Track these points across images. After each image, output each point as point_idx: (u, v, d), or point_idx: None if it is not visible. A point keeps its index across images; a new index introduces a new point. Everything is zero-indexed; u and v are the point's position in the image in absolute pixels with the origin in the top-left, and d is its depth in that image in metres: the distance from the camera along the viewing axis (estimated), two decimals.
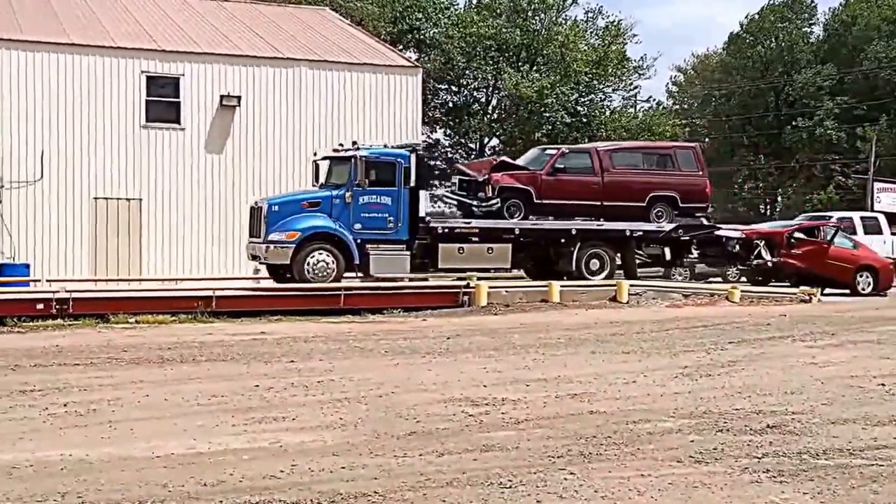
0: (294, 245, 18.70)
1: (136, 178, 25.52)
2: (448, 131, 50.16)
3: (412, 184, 19.78)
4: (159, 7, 29.99)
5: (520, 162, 22.37)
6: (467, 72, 47.73)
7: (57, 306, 16.13)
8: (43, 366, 11.21)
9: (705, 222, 23.46)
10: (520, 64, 47.31)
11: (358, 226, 19.30)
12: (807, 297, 21.01)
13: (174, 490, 6.09)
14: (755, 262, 22.96)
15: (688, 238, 22.30)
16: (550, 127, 46.24)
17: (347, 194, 19.23)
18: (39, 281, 19.10)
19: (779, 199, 66.36)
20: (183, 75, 25.93)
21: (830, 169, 59.62)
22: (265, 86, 26.87)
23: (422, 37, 46.52)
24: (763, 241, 23.11)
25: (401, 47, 41.96)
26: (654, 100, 56.94)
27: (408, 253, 19.54)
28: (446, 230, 20.04)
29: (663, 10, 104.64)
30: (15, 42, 24.44)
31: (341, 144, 21.22)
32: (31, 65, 24.41)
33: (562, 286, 19.81)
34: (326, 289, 18.68)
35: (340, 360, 11.82)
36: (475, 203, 20.75)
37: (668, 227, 21.72)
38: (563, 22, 49.38)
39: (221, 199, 26.15)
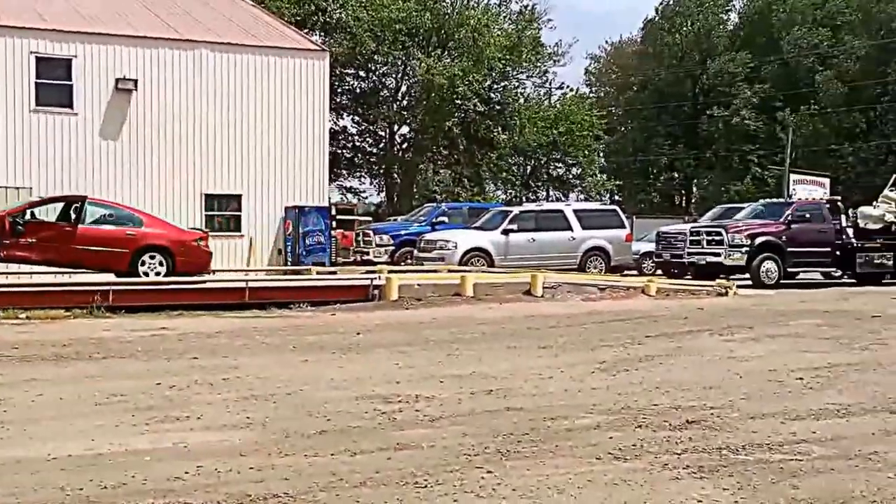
0: None
1: (25, 165, 24.57)
2: (356, 118, 49.40)
3: None
4: None
5: None
6: (376, 56, 46.80)
7: None
8: None
9: None
10: (430, 49, 46.69)
11: None
12: (723, 291, 21.22)
13: (73, 493, 5.86)
14: None
15: None
16: (463, 115, 45.91)
17: None
18: None
19: (694, 190, 67.18)
20: (75, 56, 24.99)
21: (748, 160, 60.28)
22: (164, 69, 26.08)
23: (328, 19, 45.62)
24: None
25: (306, 30, 41.11)
26: (568, 87, 56.46)
27: None
28: None
29: None
30: None
31: None
32: None
33: (476, 280, 19.63)
34: (230, 282, 18.18)
35: (247, 357, 11.46)
36: None
37: None
38: (475, 6, 48.68)
39: (118, 188, 25.29)
